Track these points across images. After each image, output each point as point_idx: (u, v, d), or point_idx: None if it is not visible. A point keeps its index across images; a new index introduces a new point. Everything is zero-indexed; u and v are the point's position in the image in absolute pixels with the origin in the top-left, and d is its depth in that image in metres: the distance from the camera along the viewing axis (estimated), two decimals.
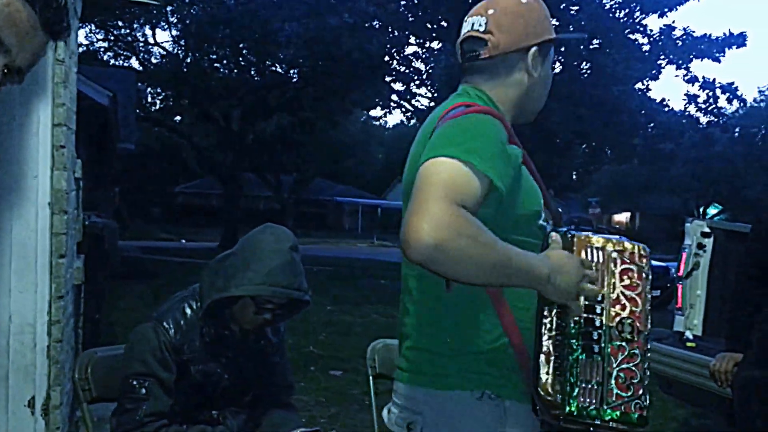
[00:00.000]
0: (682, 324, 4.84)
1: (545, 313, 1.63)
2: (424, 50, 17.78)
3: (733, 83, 17.55)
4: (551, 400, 1.59)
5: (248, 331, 2.42)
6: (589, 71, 16.62)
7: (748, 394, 2.73)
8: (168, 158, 35.21)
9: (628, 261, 1.66)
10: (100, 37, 24.63)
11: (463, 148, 1.50)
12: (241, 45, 21.49)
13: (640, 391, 1.60)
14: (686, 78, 17.42)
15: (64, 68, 3.10)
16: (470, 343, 1.68)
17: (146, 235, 26.52)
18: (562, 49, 11.74)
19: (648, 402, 1.61)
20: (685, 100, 17.94)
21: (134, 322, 2.48)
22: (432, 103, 18.00)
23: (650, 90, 17.87)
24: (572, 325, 1.61)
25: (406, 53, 17.86)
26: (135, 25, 24.64)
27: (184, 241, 27.67)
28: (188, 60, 24.27)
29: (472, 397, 1.66)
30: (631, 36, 16.90)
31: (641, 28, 16.98)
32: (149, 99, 27.93)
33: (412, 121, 23.90)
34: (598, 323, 1.61)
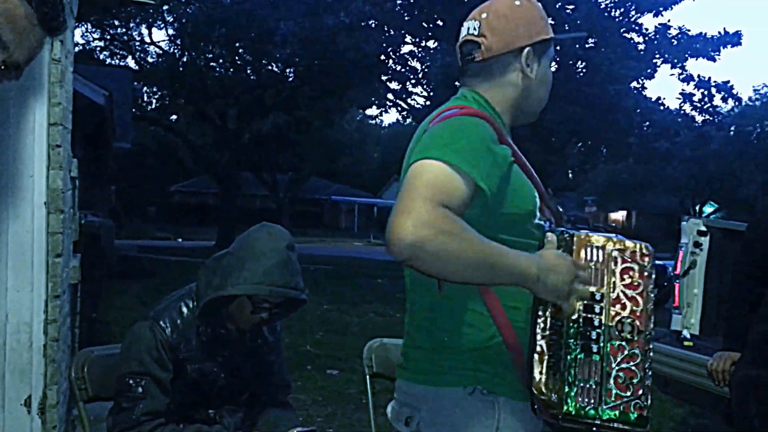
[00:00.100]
0: (679, 323, 4.84)
1: (539, 312, 1.63)
2: (420, 49, 17.78)
3: (728, 82, 17.58)
4: (546, 399, 1.59)
5: (245, 330, 2.41)
6: (584, 70, 16.64)
7: (746, 394, 2.73)
8: (164, 157, 35.18)
9: (629, 260, 1.65)
10: (96, 36, 24.58)
11: (448, 150, 1.55)
12: (237, 44, 21.46)
13: (640, 391, 1.59)
14: (681, 77, 17.46)
15: (60, 67, 3.10)
16: (464, 340, 1.70)
17: (142, 234, 26.52)
18: (558, 48, 11.81)
19: (649, 402, 1.61)
20: (680, 99, 17.97)
21: (131, 321, 2.47)
22: (428, 102, 18.01)
23: (646, 89, 17.87)
24: (570, 324, 1.61)
25: (402, 52, 17.86)
26: (131, 25, 24.59)
27: (180, 240, 27.66)
28: (184, 59, 24.22)
29: (464, 392, 1.69)
30: (626, 35, 16.93)
31: (636, 27, 17.01)
32: (145, 98, 27.88)
33: (408, 120, 23.95)
34: (597, 323, 1.61)
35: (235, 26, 18.77)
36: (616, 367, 1.60)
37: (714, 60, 16.81)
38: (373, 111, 27.70)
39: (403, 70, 18.09)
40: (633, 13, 16.87)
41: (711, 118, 18.48)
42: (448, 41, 15.83)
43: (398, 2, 16.81)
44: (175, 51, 25.04)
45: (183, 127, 29.17)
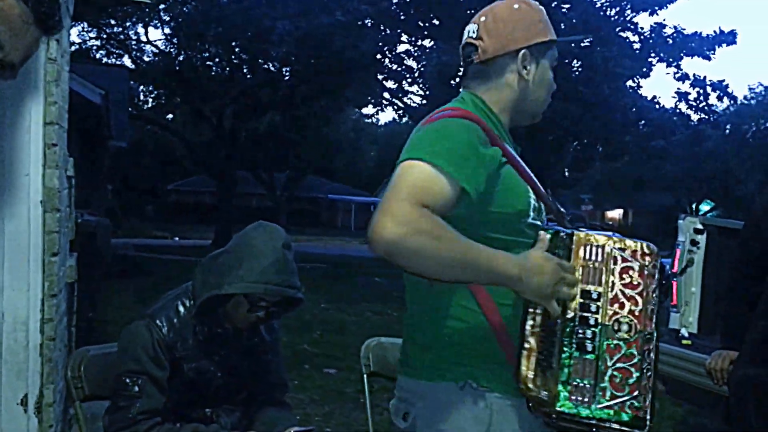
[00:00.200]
0: (677, 321, 4.84)
1: (530, 309, 1.64)
2: (416, 48, 17.80)
3: (723, 81, 17.63)
4: (535, 395, 1.59)
5: (241, 329, 2.41)
6: (580, 69, 16.66)
7: (744, 392, 2.72)
8: (161, 156, 35.20)
9: (629, 259, 1.64)
10: (92, 35, 24.58)
11: (432, 151, 1.60)
12: (233, 43, 21.46)
13: (636, 392, 1.58)
14: (677, 76, 17.50)
15: (56, 67, 3.09)
16: (456, 336, 1.74)
17: (139, 233, 26.47)
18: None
19: (647, 403, 1.59)
20: (675, 97, 18.02)
21: (127, 320, 2.47)
22: (424, 101, 18.04)
23: (641, 87, 17.97)
24: (565, 322, 1.61)
25: (398, 51, 17.88)
26: (127, 24, 24.57)
27: (177, 238, 27.62)
28: (181, 58, 24.24)
29: (456, 387, 1.72)
30: (622, 34, 16.96)
31: (632, 26, 17.04)
32: (142, 97, 27.96)
33: (405, 119, 23.93)
34: (592, 321, 1.61)
35: (231, 25, 18.75)
36: (612, 367, 1.59)
37: (709, 59, 16.86)
38: (369, 110, 27.75)
39: (399, 69, 18.11)
40: (628, 12, 16.91)
41: (706, 117, 18.53)
42: (444, 40, 15.84)
43: (394, 1, 16.81)
44: (172, 50, 25.04)
45: (179, 126, 29.20)
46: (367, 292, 13.47)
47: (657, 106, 17.67)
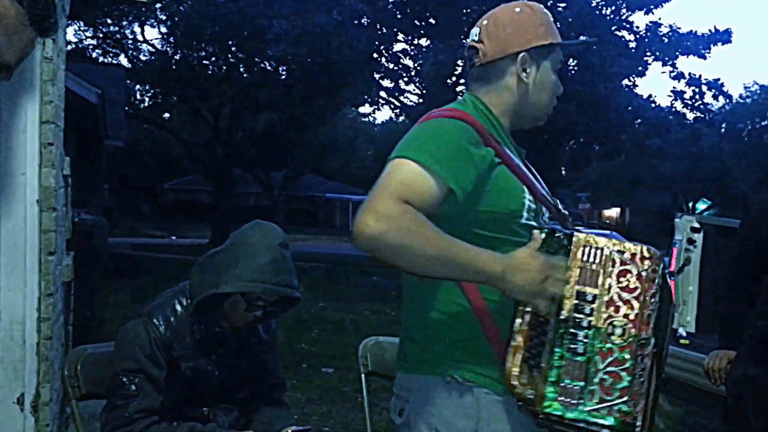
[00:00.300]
0: (675, 321, 4.84)
1: (519, 308, 1.63)
2: (412, 47, 17.81)
3: (718, 80, 17.70)
4: (520, 393, 1.58)
5: (239, 328, 2.41)
6: (576, 68, 16.68)
7: (743, 392, 2.71)
8: (157, 155, 35.14)
9: (628, 262, 1.63)
10: (89, 34, 24.53)
11: (419, 150, 1.64)
12: (229, 42, 21.43)
13: (626, 397, 1.56)
14: (672, 74, 17.54)
15: (52, 66, 3.09)
16: (447, 332, 1.76)
17: (136, 232, 26.48)
18: None
19: (638, 409, 1.56)
20: (671, 96, 18.06)
21: (124, 319, 2.47)
22: (420, 100, 18.04)
23: (637, 86, 17.99)
24: (558, 323, 1.60)
25: (394, 50, 17.88)
26: (124, 23, 24.53)
27: (174, 237, 27.61)
28: (177, 57, 24.19)
29: (443, 381, 1.74)
30: (617, 33, 16.99)
31: (627, 25, 17.08)
32: (138, 96, 27.87)
33: (401, 118, 23.93)
34: (585, 324, 1.60)
35: (227, 24, 18.74)
36: (603, 370, 1.57)
37: (704, 58, 16.91)
38: (366, 109, 27.69)
39: (395, 68, 18.11)
40: (624, 11, 16.95)
41: (702, 116, 18.57)
42: (440, 39, 15.86)
43: (390, 0, 16.80)
44: (168, 49, 25.01)
45: (176, 125, 29.17)
46: (365, 292, 13.47)
47: (653, 105, 17.71)
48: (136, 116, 26.40)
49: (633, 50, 16.92)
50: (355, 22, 16.16)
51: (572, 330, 1.60)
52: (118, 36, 24.86)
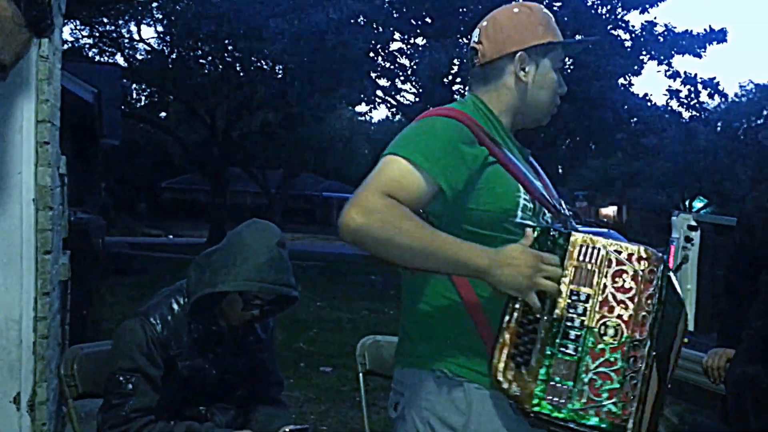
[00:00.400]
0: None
1: (509, 304, 1.63)
2: (408, 46, 17.78)
3: (714, 78, 17.68)
4: (507, 390, 1.58)
5: (236, 327, 2.41)
6: (571, 67, 16.68)
7: (742, 391, 2.71)
8: (154, 154, 35.07)
9: (624, 262, 1.61)
10: (85, 33, 24.53)
11: (410, 148, 1.68)
12: (226, 41, 21.39)
13: (615, 398, 1.53)
14: (668, 73, 17.53)
15: (48, 65, 3.09)
16: (440, 327, 1.78)
17: (133, 231, 26.43)
18: None
19: (628, 411, 1.54)
20: (667, 95, 18.06)
21: (121, 318, 2.47)
22: (417, 99, 18.02)
23: (633, 85, 17.96)
24: (551, 322, 1.59)
25: (390, 49, 17.85)
26: (120, 22, 24.53)
27: (171, 236, 27.59)
28: (173, 56, 24.19)
29: (434, 375, 1.76)
30: (613, 32, 16.98)
31: (623, 24, 17.08)
32: (134, 95, 27.86)
33: (397, 117, 23.90)
34: (578, 323, 1.59)
35: (224, 23, 18.70)
36: (593, 371, 1.55)
37: (700, 57, 16.91)
38: (362, 108, 27.65)
39: (392, 67, 18.08)
40: (619, 10, 16.94)
41: (698, 114, 18.57)
42: (436, 38, 15.84)
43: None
44: (164, 48, 25.01)
45: (172, 124, 29.13)
46: (363, 290, 13.47)
47: (649, 104, 17.70)
48: (133, 115, 26.39)
49: (629, 49, 16.91)
50: (352, 21, 16.14)
51: (564, 329, 1.59)
52: (114, 35, 24.85)
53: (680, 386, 4.49)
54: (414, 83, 18.17)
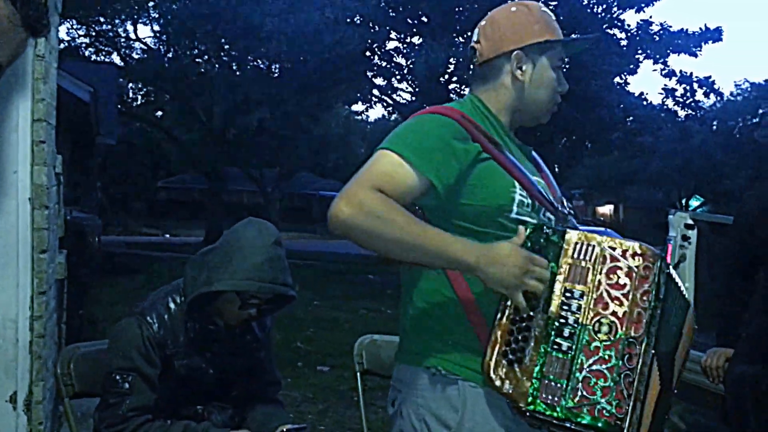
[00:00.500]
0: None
1: (502, 301, 1.63)
2: (404, 45, 17.79)
3: (710, 77, 17.78)
4: (499, 387, 1.57)
5: (233, 326, 2.40)
6: (567, 66, 16.70)
7: (741, 390, 2.71)
8: (150, 153, 35.03)
9: (619, 259, 1.60)
10: (81, 32, 24.49)
11: (400, 143, 1.69)
12: (222, 40, 21.37)
13: (608, 396, 1.52)
14: (664, 72, 17.60)
15: (44, 64, 3.08)
16: (435, 324, 1.78)
17: (129, 230, 26.42)
18: None
19: (624, 409, 1.53)
20: (662, 94, 18.11)
21: (118, 317, 2.46)
22: (413, 98, 18.03)
23: (628, 84, 18.02)
24: (546, 320, 1.59)
25: (387, 48, 17.87)
26: (116, 21, 24.49)
27: (167, 235, 27.56)
28: (170, 55, 24.12)
29: (428, 372, 1.76)
30: (609, 31, 17.01)
31: (619, 23, 17.12)
32: (131, 94, 27.82)
33: (394, 116, 23.91)
34: (572, 320, 1.58)
35: (220, 22, 18.69)
36: (587, 368, 1.54)
37: (695, 56, 16.97)
38: (358, 107, 27.69)
39: (388, 66, 18.10)
40: (615, 9, 16.98)
41: (693, 113, 18.64)
42: (432, 37, 15.85)
43: None
44: (161, 47, 24.95)
45: (169, 123, 29.08)
46: (361, 290, 13.45)
47: (644, 103, 17.76)
48: (129, 114, 26.38)
49: (624, 48, 16.96)
50: (348, 20, 16.14)
51: (558, 327, 1.58)
52: (110, 34, 24.82)
53: (680, 386, 4.49)
54: (410, 82, 18.19)
